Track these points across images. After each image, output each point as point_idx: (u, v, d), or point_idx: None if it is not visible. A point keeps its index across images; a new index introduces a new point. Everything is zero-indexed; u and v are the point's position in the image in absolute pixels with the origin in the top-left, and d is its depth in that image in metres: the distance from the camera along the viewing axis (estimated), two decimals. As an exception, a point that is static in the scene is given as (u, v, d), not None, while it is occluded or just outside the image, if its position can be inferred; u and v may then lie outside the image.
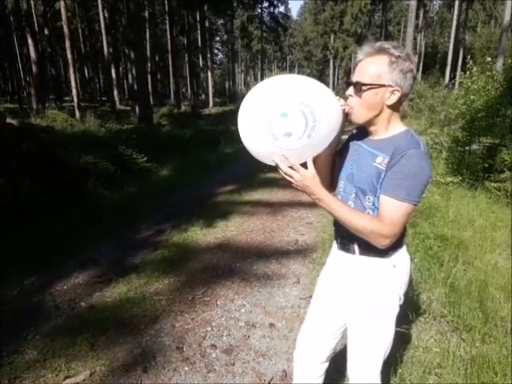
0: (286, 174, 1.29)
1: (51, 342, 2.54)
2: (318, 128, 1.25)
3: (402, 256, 1.43)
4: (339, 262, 1.54)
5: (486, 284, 3.06)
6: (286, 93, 1.23)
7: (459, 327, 2.55)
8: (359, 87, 1.30)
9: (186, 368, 2.33)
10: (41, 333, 2.64)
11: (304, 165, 1.29)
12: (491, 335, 2.45)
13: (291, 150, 1.27)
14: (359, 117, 1.35)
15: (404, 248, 1.45)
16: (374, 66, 1.28)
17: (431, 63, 40.73)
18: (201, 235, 4.53)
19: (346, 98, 1.36)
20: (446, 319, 2.69)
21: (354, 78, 1.33)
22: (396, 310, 1.44)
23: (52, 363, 2.34)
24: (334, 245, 1.59)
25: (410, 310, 2.65)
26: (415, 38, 32.50)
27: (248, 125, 1.29)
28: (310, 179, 1.28)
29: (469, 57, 6.72)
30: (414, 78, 1.31)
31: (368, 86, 1.29)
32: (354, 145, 1.47)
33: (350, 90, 1.34)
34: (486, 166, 6.14)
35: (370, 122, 1.36)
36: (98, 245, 4.21)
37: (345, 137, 1.53)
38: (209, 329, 2.71)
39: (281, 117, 1.22)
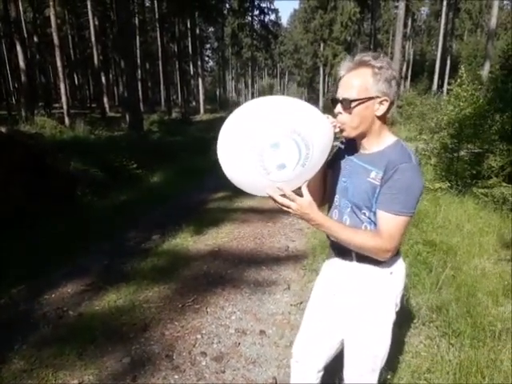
0: (282, 205, 1.26)
1: (38, 351, 2.50)
2: (311, 155, 1.19)
3: (398, 263, 1.44)
4: (336, 269, 1.54)
5: (474, 289, 3.10)
6: (276, 120, 1.13)
7: (448, 332, 2.56)
8: (348, 103, 1.29)
9: (176, 376, 2.31)
10: (28, 342, 2.60)
11: (298, 191, 1.26)
12: (479, 340, 2.47)
13: (285, 182, 1.21)
14: (352, 132, 1.34)
15: (400, 255, 1.46)
16: (359, 79, 1.28)
17: (419, 71, 41.30)
18: (191, 242, 4.51)
19: (334, 114, 1.34)
20: (435, 324, 2.71)
21: (340, 94, 1.31)
22: (393, 317, 1.45)
23: (39, 373, 2.30)
24: (331, 253, 1.58)
25: (399, 315, 2.66)
26: (404, 46, 33.00)
27: (233, 159, 1.19)
28: (307, 207, 1.25)
29: (462, 66, 6.78)
30: (398, 84, 1.32)
31: (357, 102, 1.28)
32: (345, 159, 1.46)
33: (339, 108, 1.32)
34: (474, 172, 6.23)
35: (362, 135, 1.36)
36: (87, 252, 4.18)
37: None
38: (199, 336, 2.70)
39: (271, 148, 1.13)
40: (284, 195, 1.25)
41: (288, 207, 1.26)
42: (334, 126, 1.29)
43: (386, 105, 1.30)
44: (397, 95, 1.32)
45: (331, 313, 1.55)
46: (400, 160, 1.27)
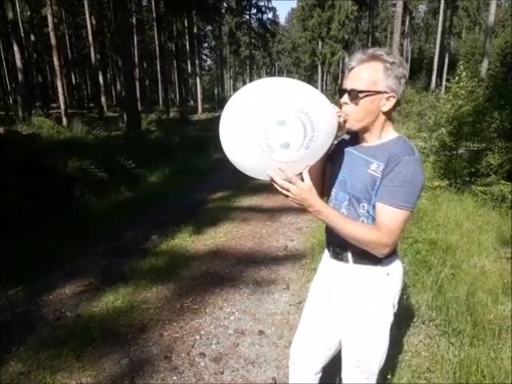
0: (282, 187, 1.23)
1: (36, 353, 2.48)
2: (316, 138, 1.17)
3: (395, 264, 1.42)
4: (331, 270, 1.52)
5: (474, 287, 3.09)
6: (284, 98, 1.12)
7: (448, 331, 2.56)
8: (355, 94, 1.28)
9: (175, 377, 2.30)
10: (25, 344, 2.58)
11: (299, 176, 1.24)
12: (479, 338, 2.46)
13: (288, 163, 1.18)
14: (355, 124, 1.33)
15: (397, 255, 1.45)
16: (369, 72, 1.28)
17: (417, 69, 41.21)
18: (190, 242, 4.49)
19: (339, 105, 1.34)
20: (435, 323, 2.70)
21: (348, 85, 1.31)
22: (390, 318, 1.44)
23: (37, 375, 2.29)
24: (326, 253, 1.57)
25: (398, 314, 2.66)
26: (402, 44, 32.97)
27: (237, 135, 1.15)
28: (307, 191, 1.22)
29: (461, 65, 6.74)
30: (407, 84, 1.31)
31: (365, 94, 1.27)
32: (345, 151, 1.45)
33: (345, 98, 1.31)
34: (473, 170, 6.22)
35: (365, 129, 1.35)
36: (85, 253, 4.15)
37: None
38: (197, 337, 2.68)
39: (277, 125, 1.11)
40: (285, 179, 1.22)
41: (288, 190, 1.22)
42: (339, 116, 1.29)
43: (392, 101, 1.30)
44: (404, 94, 1.31)
45: (328, 314, 1.53)
46: (403, 152, 1.26)
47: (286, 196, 1.25)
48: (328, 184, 1.51)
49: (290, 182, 1.21)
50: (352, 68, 1.32)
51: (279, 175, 1.21)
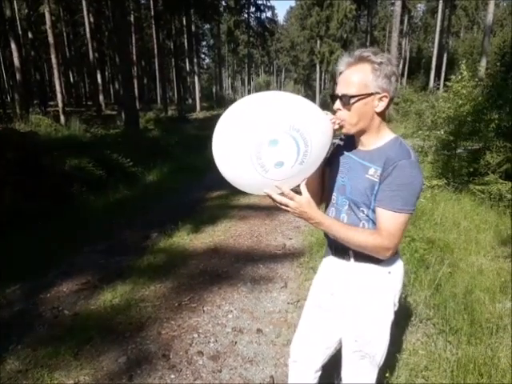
0: (280, 203, 1.24)
1: (33, 351, 2.48)
2: (310, 153, 1.16)
3: (396, 263, 1.43)
4: (333, 268, 1.53)
5: (472, 286, 3.09)
6: (274, 116, 1.10)
7: (445, 329, 2.56)
8: (347, 100, 1.27)
9: (173, 376, 2.30)
10: (23, 343, 2.58)
11: (296, 189, 1.25)
12: (477, 337, 2.46)
13: (283, 180, 1.19)
14: (351, 129, 1.33)
15: (398, 255, 1.45)
16: (358, 75, 1.27)
17: (416, 68, 41.28)
18: (187, 240, 4.49)
19: (333, 111, 1.33)
20: (432, 322, 2.70)
21: (339, 90, 1.30)
22: (391, 316, 1.44)
23: (34, 374, 2.28)
24: (328, 252, 1.57)
25: (396, 312, 2.66)
26: (400, 43, 33.00)
27: (230, 156, 1.15)
28: (305, 205, 1.24)
29: (463, 64, 6.70)
30: (397, 81, 1.31)
31: (356, 98, 1.27)
32: (342, 156, 1.45)
33: (338, 104, 1.31)
34: (471, 169, 6.23)
35: (361, 132, 1.34)
36: (83, 251, 4.15)
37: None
38: (195, 335, 2.68)
39: (269, 145, 1.10)
40: (282, 193, 1.23)
41: (286, 206, 1.24)
42: (334, 123, 1.28)
43: (385, 101, 1.29)
44: (396, 91, 1.31)
45: (329, 312, 1.54)
46: (399, 156, 1.26)
47: (286, 211, 1.27)
48: (327, 189, 1.51)
49: (288, 197, 1.23)
50: (341, 72, 1.32)
51: (276, 192, 1.22)
